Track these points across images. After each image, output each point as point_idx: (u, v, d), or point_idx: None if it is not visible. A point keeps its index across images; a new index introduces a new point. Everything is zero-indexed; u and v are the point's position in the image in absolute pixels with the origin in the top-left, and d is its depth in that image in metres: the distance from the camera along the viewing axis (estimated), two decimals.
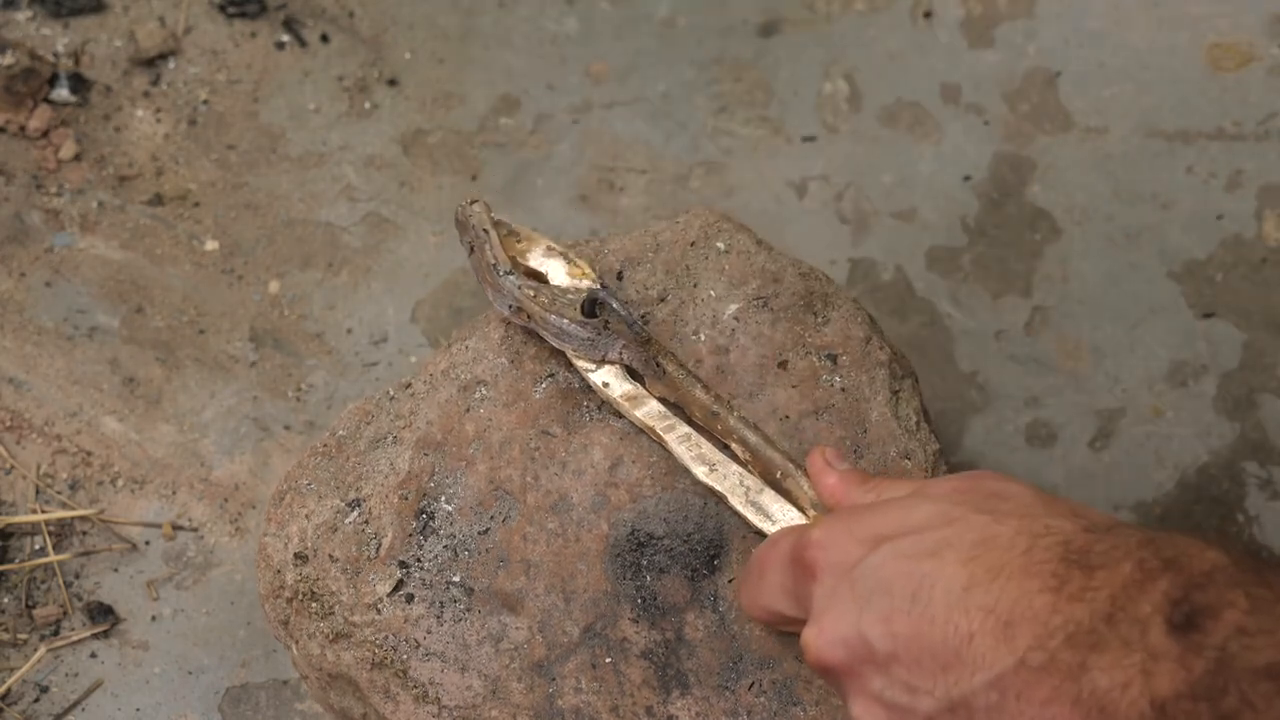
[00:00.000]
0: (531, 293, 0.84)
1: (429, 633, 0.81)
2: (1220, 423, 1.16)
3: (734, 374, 0.86)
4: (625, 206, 1.25)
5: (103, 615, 1.07)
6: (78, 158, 1.24)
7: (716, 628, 0.81)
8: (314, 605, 0.84)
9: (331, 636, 0.83)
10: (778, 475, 0.81)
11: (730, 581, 0.82)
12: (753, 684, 0.79)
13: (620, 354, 0.84)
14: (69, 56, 1.28)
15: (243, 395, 1.16)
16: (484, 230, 0.87)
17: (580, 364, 0.85)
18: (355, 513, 0.85)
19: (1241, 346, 1.19)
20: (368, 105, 1.29)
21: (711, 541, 0.83)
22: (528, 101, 1.30)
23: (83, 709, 1.04)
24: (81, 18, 1.30)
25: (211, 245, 1.22)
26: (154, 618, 1.07)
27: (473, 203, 0.88)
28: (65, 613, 1.07)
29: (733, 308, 0.88)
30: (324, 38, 1.32)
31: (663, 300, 0.89)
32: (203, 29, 1.31)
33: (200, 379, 1.17)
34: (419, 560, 0.83)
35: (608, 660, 0.80)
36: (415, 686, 0.81)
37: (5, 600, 1.07)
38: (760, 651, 0.80)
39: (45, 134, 1.25)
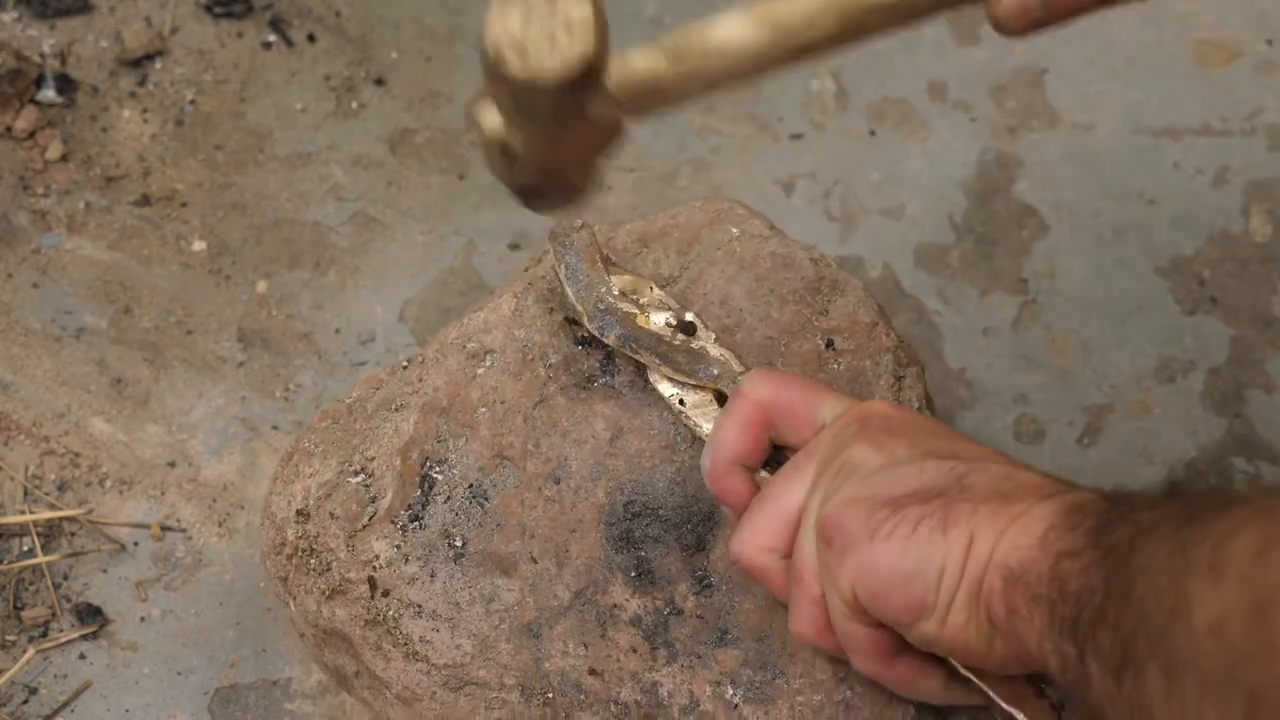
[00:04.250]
0: (635, 313, 0.84)
1: (422, 591, 0.82)
2: (1208, 418, 1.16)
3: (741, 354, 0.86)
4: (613, 205, 1.25)
5: (91, 616, 1.07)
6: (64, 158, 1.24)
7: (707, 598, 0.82)
8: (312, 561, 0.85)
9: (327, 593, 0.84)
10: None
11: (723, 553, 0.82)
12: (739, 655, 0.80)
13: (714, 378, 0.83)
14: (55, 57, 1.28)
15: (231, 396, 1.16)
16: (590, 255, 0.85)
17: (663, 386, 0.84)
18: (358, 473, 0.86)
19: (1229, 342, 1.19)
20: (355, 105, 1.29)
21: (706, 514, 0.83)
22: None
23: (71, 710, 1.04)
24: (68, 18, 1.30)
25: (199, 245, 1.22)
26: (143, 618, 1.07)
27: (580, 227, 0.86)
28: (54, 614, 1.07)
29: (742, 289, 0.89)
30: (311, 37, 1.31)
31: (673, 280, 0.89)
32: (189, 29, 1.31)
33: (188, 379, 1.16)
34: (417, 521, 0.84)
35: (596, 626, 0.81)
36: (406, 644, 0.82)
37: None
38: (748, 623, 0.81)
39: (32, 135, 1.24)
